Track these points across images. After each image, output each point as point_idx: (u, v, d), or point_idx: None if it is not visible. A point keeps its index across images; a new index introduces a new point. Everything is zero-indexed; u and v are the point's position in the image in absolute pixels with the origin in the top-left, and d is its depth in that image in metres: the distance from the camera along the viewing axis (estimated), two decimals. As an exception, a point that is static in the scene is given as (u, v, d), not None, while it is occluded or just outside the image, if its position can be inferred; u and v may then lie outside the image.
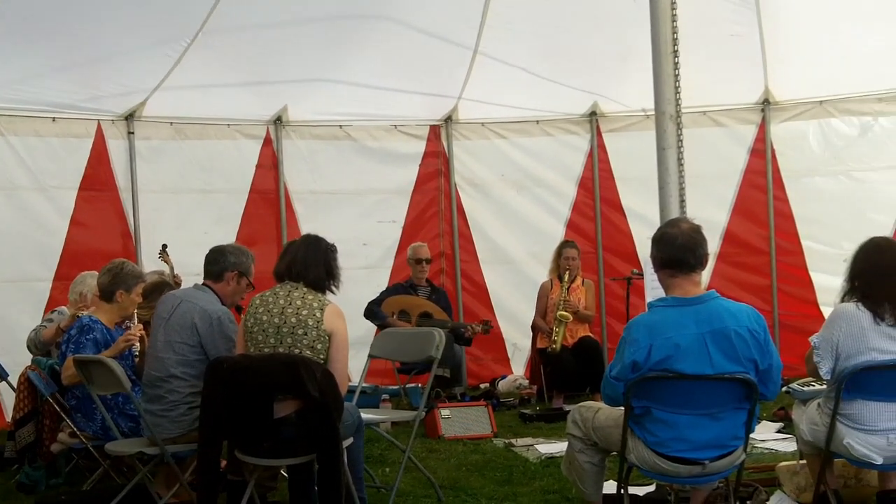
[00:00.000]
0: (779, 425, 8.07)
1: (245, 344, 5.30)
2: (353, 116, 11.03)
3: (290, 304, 5.19)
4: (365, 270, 10.89)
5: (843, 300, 5.04)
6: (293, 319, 5.14)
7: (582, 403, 5.24)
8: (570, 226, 11.52)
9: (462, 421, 8.40)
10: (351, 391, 6.22)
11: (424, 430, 8.31)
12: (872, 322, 4.82)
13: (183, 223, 10.29)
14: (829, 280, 9.14)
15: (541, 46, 10.27)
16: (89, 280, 7.00)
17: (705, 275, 10.49)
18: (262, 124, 10.82)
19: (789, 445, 6.97)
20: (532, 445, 7.80)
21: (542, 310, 10.13)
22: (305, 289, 5.26)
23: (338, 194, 11.15)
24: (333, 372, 5.06)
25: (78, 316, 6.46)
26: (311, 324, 5.13)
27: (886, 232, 10.05)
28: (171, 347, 5.55)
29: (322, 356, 5.15)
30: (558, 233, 11.33)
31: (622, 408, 4.66)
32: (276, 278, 5.40)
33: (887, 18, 9.63)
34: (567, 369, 9.68)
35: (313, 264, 5.32)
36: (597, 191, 11.52)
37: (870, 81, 10.62)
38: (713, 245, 10.80)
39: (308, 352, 5.10)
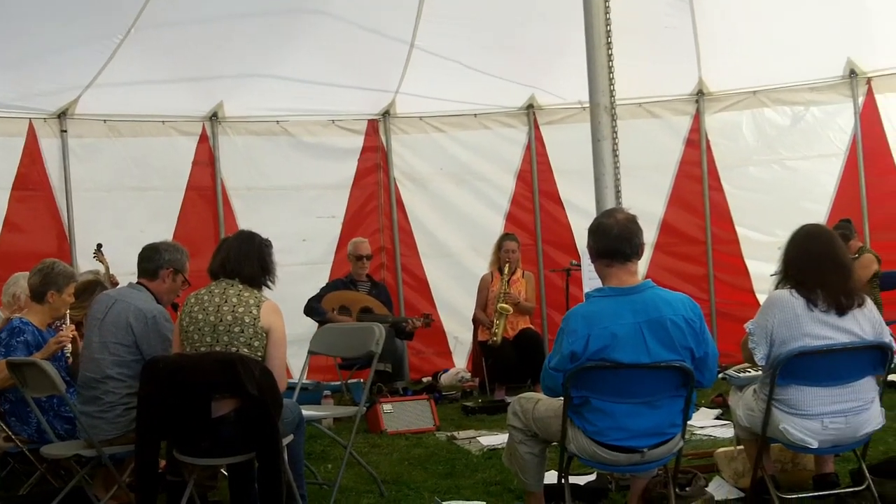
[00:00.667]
0: (717, 412, 8.14)
1: (181, 343, 5.24)
2: (290, 112, 10.98)
3: (226, 301, 5.14)
4: (305, 267, 10.85)
5: (777, 287, 5.11)
6: (229, 317, 5.09)
7: (522, 395, 5.25)
8: (510, 218, 11.57)
9: (404, 415, 8.38)
10: (291, 388, 6.18)
11: (367, 425, 8.29)
12: (806, 308, 4.88)
13: (118, 222, 10.18)
14: (763, 268, 9.25)
15: (477, 40, 10.28)
16: (22, 281, 6.87)
17: (643, 264, 10.76)
18: (197, 121, 10.74)
19: (727, 432, 7.03)
20: (474, 438, 7.80)
21: (483, 302, 10.15)
22: (241, 285, 5.22)
23: (276, 190, 11.10)
24: (272, 369, 5.03)
25: (10, 319, 6.36)
26: (247, 321, 5.09)
27: (820, 220, 10.23)
28: (106, 348, 5.47)
29: (260, 353, 5.11)
30: (498, 225, 11.39)
31: (562, 398, 4.67)
32: (210, 276, 5.35)
33: (817, 8, 9.78)
34: (508, 361, 9.71)
35: (247, 260, 5.28)
36: (535, 183, 11.59)
37: (801, 71, 10.82)
38: (650, 235, 10.95)
39: (245, 349, 5.06)
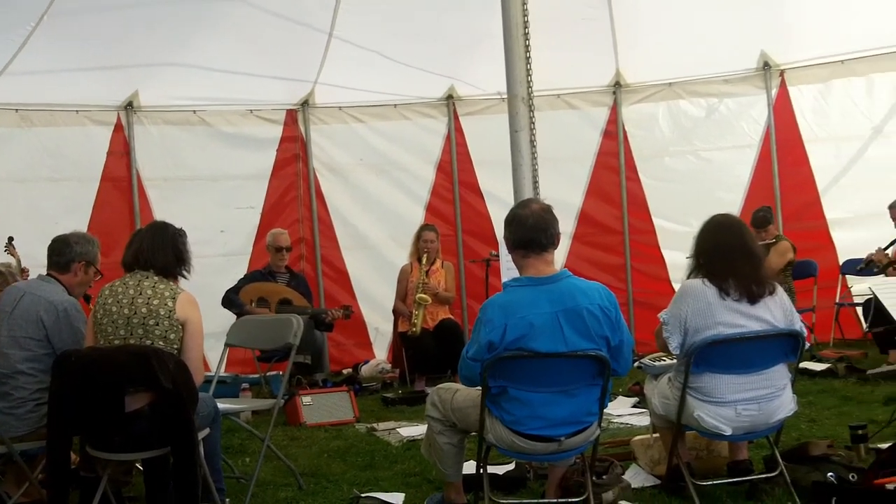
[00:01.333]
0: (634, 400, 8.24)
1: (95, 336, 5.15)
2: (208, 101, 10.86)
3: (141, 293, 5.06)
4: (223, 258, 10.76)
5: (690, 277, 5.17)
6: (144, 310, 5.01)
7: (440, 385, 5.25)
8: (430, 209, 11.58)
9: (324, 407, 8.34)
10: (208, 381, 6.12)
11: (286, 418, 8.24)
12: (718, 297, 4.95)
13: (31, 214, 9.95)
14: (679, 257, 9.32)
15: (396, 30, 10.27)
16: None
17: (561, 254, 10.84)
18: (112, 110, 10.56)
19: (644, 420, 7.10)
20: (394, 429, 7.79)
21: (403, 293, 10.14)
22: (156, 277, 5.14)
23: (193, 181, 10.95)
24: (187, 362, 4.96)
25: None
26: (162, 313, 5.01)
27: (734, 210, 10.39)
28: (16, 343, 5.35)
29: (175, 346, 5.04)
30: (418, 216, 11.39)
31: (479, 388, 4.68)
32: (124, 268, 5.25)
33: (731, 1, 9.93)
34: (428, 352, 9.72)
35: (161, 251, 5.19)
36: (455, 174, 11.61)
37: (716, 63, 10.99)
38: (568, 226, 11.08)
39: (160, 342, 4.99)
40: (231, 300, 9.51)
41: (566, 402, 4.63)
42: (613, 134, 11.50)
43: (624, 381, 8.54)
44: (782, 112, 11.11)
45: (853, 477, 5.09)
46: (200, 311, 5.24)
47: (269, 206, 11.21)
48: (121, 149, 10.61)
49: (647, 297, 11.13)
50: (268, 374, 9.31)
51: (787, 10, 10.18)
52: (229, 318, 9.30)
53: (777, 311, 5.03)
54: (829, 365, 8.94)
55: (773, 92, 11.10)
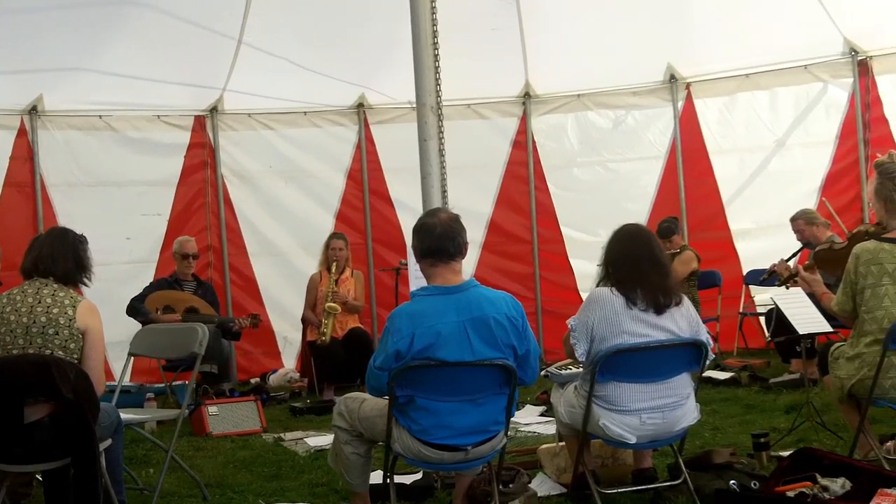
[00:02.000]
0: (542, 409, 8.29)
1: (-8, 345, 5.02)
2: (114, 106, 10.66)
3: (40, 301, 4.95)
4: (129, 266, 10.59)
5: (598, 285, 5.21)
6: (43, 318, 4.90)
7: (347, 395, 5.22)
8: (340, 217, 11.53)
9: (230, 417, 8.25)
10: (111, 391, 6.01)
11: (192, 428, 8.13)
12: (625, 306, 4.99)
13: (-70, 220, 9.71)
14: (587, 267, 9.48)
15: (306, 37, 10.23)
16: None
17: (471, 263, 10.87)
18: (15, 114, 10.32)
19: (551, 428, 7.15)
20: (302, 439, 7.74)
21: (312, 302, 10.08)
22: (56, 285, 5.03)
23: (99, 187, 10.76)
24: (88, 371, 4.87)
25: None
26: (62, 322, 4.91)
27: (641, 220, 10.50)
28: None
29: (76, 356, 4.93)
30: (328, 224, 11.33)
31: (387, 398, 4.67)
32: (23, 275, 5.13)
33: (639, 15, 10.07)
34: (337, 361, 9.67)
35: (61, 257, 5.08)
36: (365, 182, 11.58)
37: (624, 76, 11.15)
38: (478, 235, 11.13)
39: (61, 352, 4.88)
40: (136, 308, 9.35)
41: (473, 412, 4.65)
42: (523, 144, 11.59)
43: (532, 390, 8.58)
44: (688, 124, 11.32)
45: (755, 484, 5.17)
46: (102, 320, 5.14)
47: (176, 214, 11.04)
48: (24, 153, 10.37)
49: (555, 305, 11.23)
50: (173, 383, 9.17)
51: (693, 24, 10.38)
52: (135, 326, 9.13)
53: (682, 322, 5.09)
54: (732, 374, 9.09)
55: (680, 104, 11.31)
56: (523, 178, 11.61)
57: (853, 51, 10.53)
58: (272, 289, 11.39)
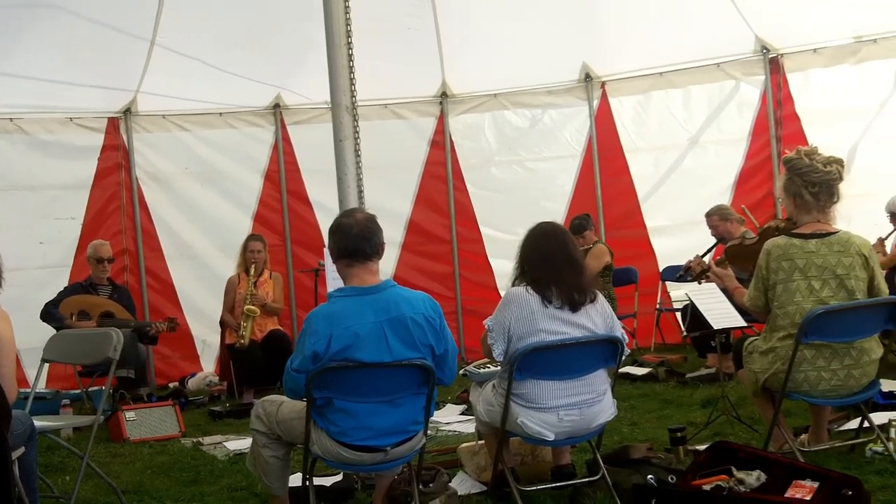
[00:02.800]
0: (462, 408, 8.30)
1: None
2: (26, 109, 10.50)
3: (-52, 309, 4.84)
4: (43, 270, 10.40)
5: (514, 284, 5.23)
6: (-49, 326, 4.79)
7: (265, 398, 5.18)
8: (258, 219, 11.45)
9: (148, 422, 8.14)
10: (25, 398, 5.89)
11: (109, 434, 8.01)
12: (541, 305, 5.02)
13: None
14: (506, 266, 9.43)
15: (221, 38, 10.13)
16: None
17: (390, 264, 10.85)
18: (-78, 117, 10.09)
19: (471, 427, 7.14)
20: (221, 443, 7.66)
21: (230, 304, 10.00)
22: (-37, 292, 4.92)
23: (10, 190, 10.56)
24: (-1, 379, 4.76)
25: None
26: (-29, 329, 4.80)
27: (559, 219, 10.67)
28: None
29: (-15, 363, 4.82)
30: (245, 226, 11.25)
31: (305, 400, 4.64)
32: (-69, 281, 5.01)
33: (553, 15, 10.14)
34: (256, 364, 9.61)
35: (-30, 263, 4.98)
36: (283, 183, 11.52)
37: (540, 75, 11.22)
38: (397, 235, 11.13)
39: (-31, 360, 4.77)
40: (50, 314, 9.18)
41: (392, 412, 4.64)
42: (441, 144, 11.62)
43: (453, 389, 8.60)
44: (603, 123, 11.44)
45: (672, 479, 5.22)
46: (14, 326, 5.03)
47: (90, 217, 10.87)
48: (-67, 156, 10.16)
49: (475, 305, 11.26)
50: (90, 389, 9.02)
51: (607, 23, 10.50)
52: (49, 332, 8.98)
53: (598, 319, 5.13)
54: (650, 369, 9.20)
55: (595, 103, 11.43)
56: (442, 178, 11.64)
57: (765, 49, 10.72)
58: (190, 292, 11.27)
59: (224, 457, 7.15)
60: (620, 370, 8.35)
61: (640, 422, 7.26)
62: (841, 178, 5.46)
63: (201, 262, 11.32)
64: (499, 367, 5.28)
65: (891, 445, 5.37)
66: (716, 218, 9.40)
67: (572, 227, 10.17)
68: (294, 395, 4.74)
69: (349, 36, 6.00)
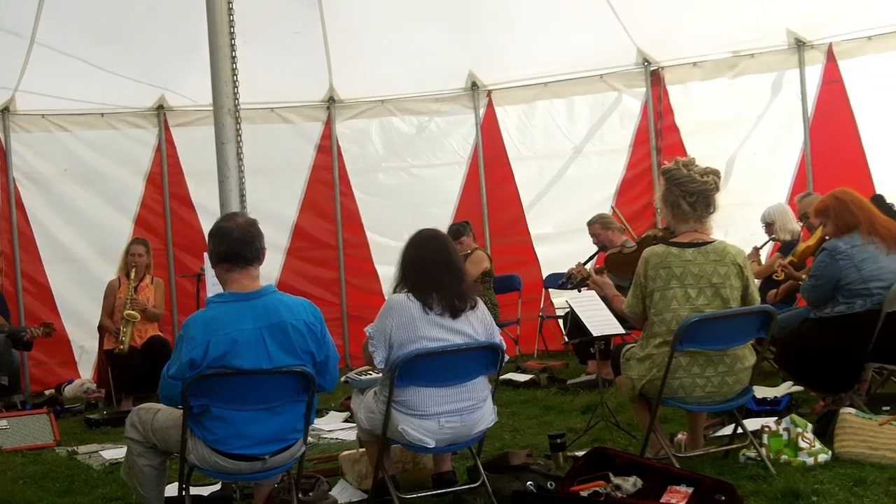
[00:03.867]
0: (345, 415, 8.24)
1: None
2: None
3: None
4: (-85, 276, 10.06)
5: (395, 291, 5.23)
6: None
7: (140, 406, 5.09)
8: (139, 222, 11.26)
9: (21, 431, 7.94)
10: None
11: (-20, 443, 7.79)
12: (422, 311, 5.02)
13: None
14: (392, 271, 9.44)
15: (103, 37, 9.95)
16: None
17: (275, 269, 10.78)
18: None
19: (354, 435, 7.14)
20: (97, 452, 7.49)
21: (110, 309, 9.79)
22: None
23: None
24: None
25: None
26: None
27: (444, 225, 10.69)
28: None
29: None
30: (126, 229, 11.06)
31: (181, 408, 4.56)
32: None
33: (441, 24, 10.20)
34: (136, 370, 9.40)
35: None
36: (166, 186, 11.34)
37: (427, 82, 11.26)
38: (283, 240, 11.07)
39: None
40: (-83, 320, 8.89)
41: (271, 420, 4.60)
42: (328, 149, 11.57)
43: (336, 396, 8.56)
44: (489, 131, 11.55)
45: (551, 485, 5.27)
46: None
47: (-36, 219, 10.55)
48: None
49: (360, 310, 11.20)
50: (-40, 397, 8.76)
51: (493, 33, 10.59)
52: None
53: (478, 325, 5.15)
54: (532, 376, 9.27)
55: (481, 111, 11.53)
56: (328, 183, 11.59)
57: (646, 61, 10.96)
58: (68, 296, 11.01)
59: (99, 466, 7.00)
60: (503, 376, 8.41)
61: (521, 428, 7.30)
62: (717, 189, 5.58)
63: (80, 266, 11.07)
64: (380, 374, 5.26)
65: (763, 451, 5.50)
66: (597, 226, 9.52)
67: (450, 231, 10.21)
68: (170, 402, 4.66)
69: (233, 38, 5.93)
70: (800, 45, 10.22)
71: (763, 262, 9.05)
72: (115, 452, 7.29)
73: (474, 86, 11.42)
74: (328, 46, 10.47)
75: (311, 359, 4.66)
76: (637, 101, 11.18)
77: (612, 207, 9.63)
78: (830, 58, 10.15)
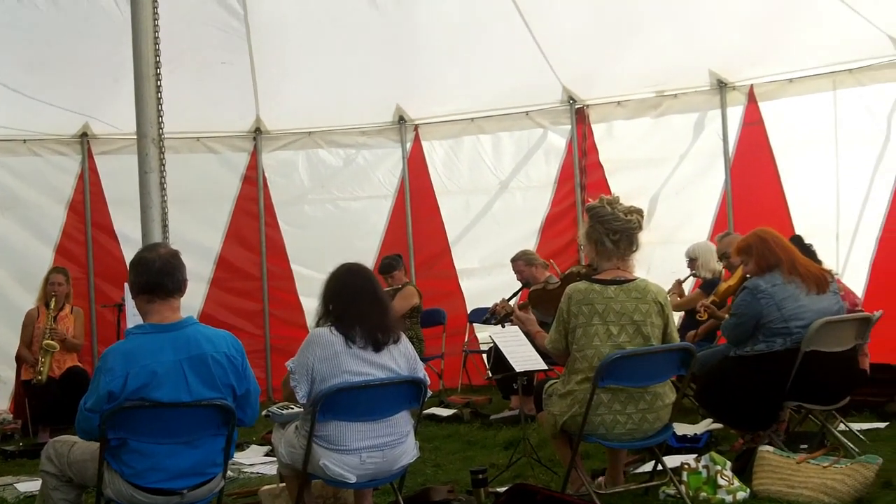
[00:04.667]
0: (267, 449, 8.16)
1: None
2: None
3: None
4: None
5: (318, 324, 5.20)
6: None
7: (57, 438, 5.01)
8: (60, 250, 11.06)
9: (-69, 463, 7.75)
10: None
11: None
12: (344, 345, 4.99)
13: None
14: (316, 304, 9.46)
15: (26, 63, 9.77)
16: None
17: (198, 300, 10.67)
18: None
19: (275, 469, 7.07)
20: (11, 484, 7.32)
21: (28, 339, 9.60)
22: None
23: None
24: None
25: None
26: None
27: (370, 257, 10.73)
28: None
29: None
30: (47, 257, 10.86)
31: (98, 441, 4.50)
32: None
33: (370, 57, 10.24)
34: (54, 401, 9.22)
35: None
36: (88, 214, 11.17)
37: (354, 115, 11.31)
38: (206, 270, 10.97)
39: None
40: None
41: (189, 454, 4.54)
42: (253, 179, 11.51)
43: (258, 430, 8.47)
44: (416, 164, 11.60)
45: (472, 521, 5.28)
46: None
47: None
48: None
49: (284, 343, 11.09)
50: None
51: (421, 68, 10.63)
52: None
53: (401, 360, 5.14)
54: (455, 410, 9.27)
55: (408, 145, 11.58)
56: (253, 214, 11.52)
57: (571, 99, 11.09)
58: (-15, 325, 10.77)
59: (14, 499, 6.87)
60: (426, 411, 8.44)
61: (443, 463, 7.28)
62: (641, 228, 5.66)
63: (-2, 295, 10.85)
64: (301, 408, 5.22)
65: (683, 488, 5.55)
66: (521, 263, 9.58)
67: (382, 266, 10.25)
68: (87, 435, 4.58)
69: (158, 66, 5.92)
70: (722, 86, 10.41)
71: (686, 294, 9.18)
72: (30, 485, 7.13)
73: (402, 119, 11.47)
74: (255, 77, 10.41)
75: (232, 392, 4.62)
76: (562, 139, 11.31)
77: (550, 262, 9.68)
78: (752, 99, 10.35)
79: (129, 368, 4.40)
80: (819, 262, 7.19)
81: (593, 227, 5.66)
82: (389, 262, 10.36)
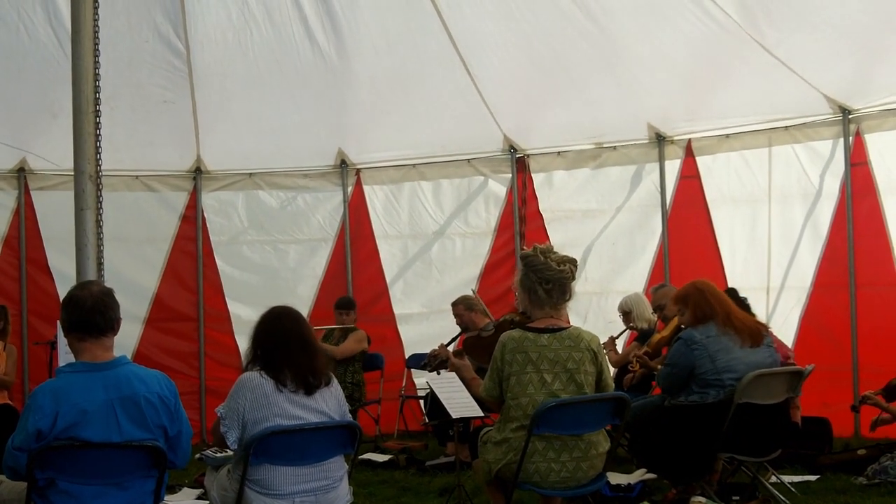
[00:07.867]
0: (199, 492, 8.05)
1: None
2: None
3: None
4: None
5: (247, 368, 5.15)
6: None
7: (-19, 479, 4.90)
8: (-7, 286, 10.88)
9: None
10: None
11: None
12: (275, 389, 4.95)
13: None
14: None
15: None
16: None
17: (133, 339, 10.51)
18: None
19: (207, 511, 7.00)
20: (-68, 525, 7.15)
21: (-42, 376, 9.41)
22: None
23: None
24: None
25: None
26: None
27: (308, 300, 10.70)
28: None
29: None
30: (-21, 294, 10.66)
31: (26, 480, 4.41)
32: None
33: (311, 102, 10.27)
34: (-19, 440, 9.04)
35: None
36: (23, 250, 10.99)
37: (295, 158, 11.32)
38: (142, 310, 10.84)
39: None
40: None
41: (118, 495, 4.48)
42: (192, 219, 11.41)
43: (190, 472, 8.36)
44: (357, 209, 11.60)
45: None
46: None
47: None
48: None
49: (219, 385, 10.94)
50: None
51: (364, 113, 10.69)
52: None
53: (332, 402, 5.12)
54: (391, 456, 9.22)
55: (349, 189, 11.57)
56: (191, 254, 11.42)
57: (512, 148, 11.20)
58: (-89, 363, 10.53)
59: (-66, 540, 6.68)
60: (362, 456, 8.39)
61: (377, 509, 7.26)
62: (573, 278, 5.68)
63: (-73, 332, 10.62)
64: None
65: (614, 535, 5.58)
66: (461, 307, 9.58)
67: (342, 301, 10.34)
68: (14, 475, 4.49)
69: (98, 103, 5.87)
70: (660, 139, 10.57)
71: (620, 350, 9.23)
72: (-49, 526, 6.99)
73: (343, 164, 11.47)
74: (197, 117, 10.37)
75: (164, 433, 4.57)
76: (503, 187, 11.40)
77: (473, 290, 9.73)
78: (689, 153, 10.51)
79: (59, 407, 4.34)
80: (753, 314, 7.29)
81: (527, 275, 5.68)
82: (349, 300, 10.40)
